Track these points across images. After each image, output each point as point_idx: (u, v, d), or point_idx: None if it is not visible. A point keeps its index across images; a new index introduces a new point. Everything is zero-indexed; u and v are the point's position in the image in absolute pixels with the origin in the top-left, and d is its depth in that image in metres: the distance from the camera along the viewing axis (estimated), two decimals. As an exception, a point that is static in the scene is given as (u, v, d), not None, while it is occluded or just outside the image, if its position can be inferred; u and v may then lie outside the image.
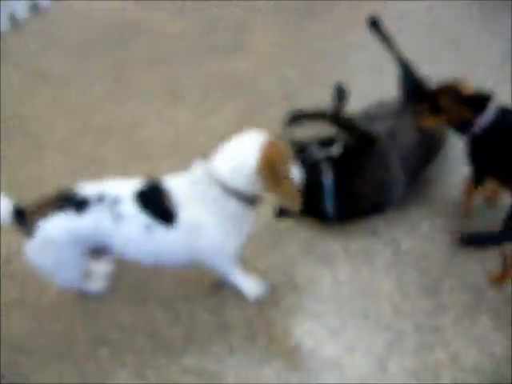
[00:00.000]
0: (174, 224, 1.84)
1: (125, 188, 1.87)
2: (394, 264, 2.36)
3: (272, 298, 2.26)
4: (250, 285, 2.20)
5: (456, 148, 2.69)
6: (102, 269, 2.29)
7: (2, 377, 2.03)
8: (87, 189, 1.86)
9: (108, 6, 4.26)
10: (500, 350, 2.06)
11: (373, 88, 2.99)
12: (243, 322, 2.18)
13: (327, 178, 2.35)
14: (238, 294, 2.25)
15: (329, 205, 2.39)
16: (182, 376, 2.02)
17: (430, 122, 2.35)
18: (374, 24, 2.52)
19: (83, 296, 2.21)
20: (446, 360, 2.04)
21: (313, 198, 2.33)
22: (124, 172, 2.72)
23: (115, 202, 1.82)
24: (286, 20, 3.86)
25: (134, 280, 2.36)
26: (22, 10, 4.18)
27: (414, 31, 3.61)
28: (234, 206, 1.84)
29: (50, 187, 2.58)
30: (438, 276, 2.31)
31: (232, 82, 3.29)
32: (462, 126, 2.30)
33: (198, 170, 1.85)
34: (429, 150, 2.62)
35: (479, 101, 2.24)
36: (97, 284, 2.25)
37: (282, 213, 2.51)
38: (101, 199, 1.82)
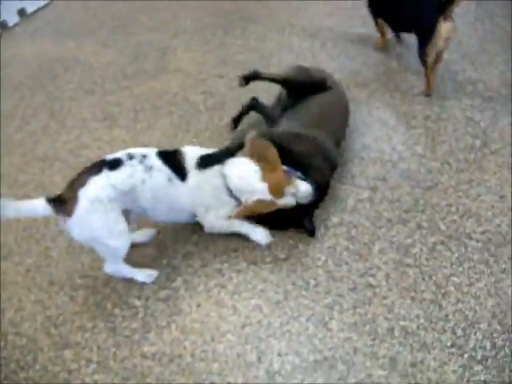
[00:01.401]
0: (185, 180, 2.30)
1: (148, 149, 2.30)
2: (327, 237, 2.57)
3: (219, 281, 2.43)
4: (258, 233, 2.48)
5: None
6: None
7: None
8: (116, 154, 2.23)
9: (32, 49, 4.41)
10: (429, 295, 2.28)
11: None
12: (195, 307, 2.34)
13: None
14: (187, 282, 2.43)
15: None
16: (144, 362, 2.16)
17: None
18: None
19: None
20: (382, 312, 2.25)
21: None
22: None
23: (144, 157, 2.22)
24: (207, 39, 4.10)
25: (92, 282, 2.50)
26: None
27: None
28: (228, 199, 2.38)
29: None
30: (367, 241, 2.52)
31: (161, 101, 3.49)
32: None
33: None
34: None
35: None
36: (147, 273, 2.46)
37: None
38: (131, 157, 2.21)
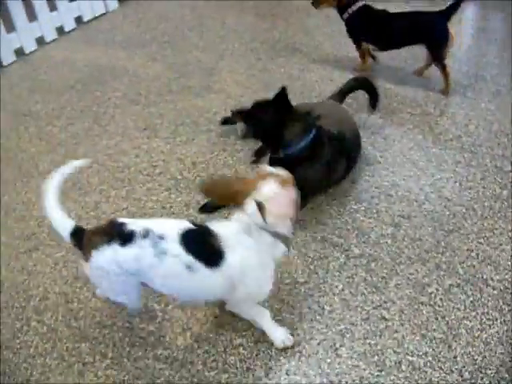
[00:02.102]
0: (219, 266, 1.90)
1: (172, 227, 1.94)
2: (347, 267, 2.63)
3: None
4: (277, 332, 2.25)
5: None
6: None
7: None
8: (134, 223, 1.92)
9: (84, 55, 4.62)
10: (439, 334, 2.33)
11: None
12: (211, 317, 2.42)
13: None
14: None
15: None
16: (156, 364, 2.24)
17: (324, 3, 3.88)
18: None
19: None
20: (392, 345, 2.30)
21: None
22: (105, 194, 3.03)
23: (160, 238, 1.87)
24: (252, 63, 4.25)
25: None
26: (7, 54, 4.51)
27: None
28: (280, 247, 2.02)
29: (35, 210, 2.87)
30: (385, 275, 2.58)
31: (201, 118, 3.62)
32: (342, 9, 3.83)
33: (243, 217, 1.93)
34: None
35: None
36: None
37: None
38: (145, 234, 1.87)
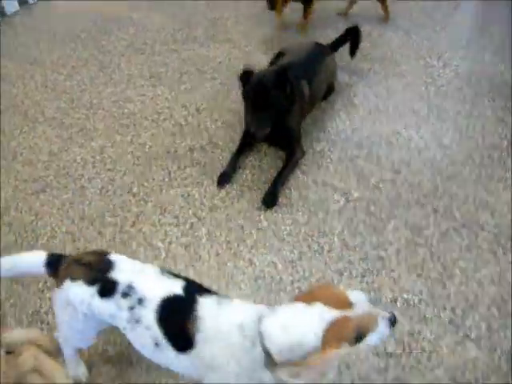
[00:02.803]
0: (187, 352, 1.60)
1: (157, 290, 1.65)
2: (346, 209, 2.70)
3: (239, 235, 2.58)
4: None
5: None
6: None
7: None
8: (121, 270, 1.68)
9: (89, 4, 4.61)
10: (434, 274, 2.40)
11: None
12: (214, 256, 2.50)
13: None
14: (210, 233, 2.59)
15: None
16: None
17: None
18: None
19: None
20: (388, 283, 2.38)
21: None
22: (111, 139, 3.09)
23: (139, 302, 1.62)
24: (258, 14, 4.24)
25: (120, 222, 2.68)
26: (10, 3, 4.51)
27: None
28: (269, 376, 1.51)
29: (42, 154, 2.93)
30: (383, 218, 2.65)
31: (206, 67, 3.65)
32: None
33: (251, 315, 1.55)
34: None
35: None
36: (79, 371, 2.15)
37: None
38: (127, 294, 1.63)
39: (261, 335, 1.46)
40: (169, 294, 1.63)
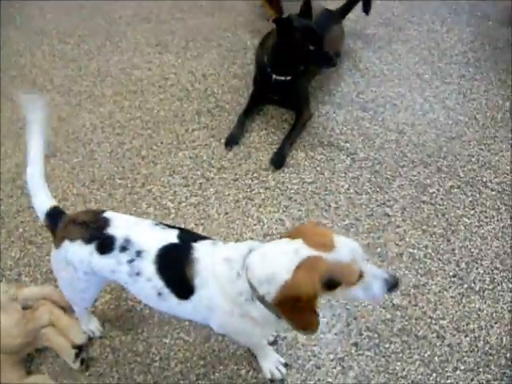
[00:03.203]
0: (188, 298, 1.62)
1: (153, 241, 1.65)
2: (352, 168, 2.75)
3: (247, 194, 2.64)
4: (270, 365, 2.05)
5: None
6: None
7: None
8: (117, 226, 1.68)
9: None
10: (439, 230, 2.46)
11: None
12: (223, 214, 2.56)
13: None
14: (218, 192, 2.65)
15: None
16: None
17: None
18: None
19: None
20: (394, 239, 2.44)
21: None
22: (119, 105, 3.13)
23: (138, 255, 1.63)
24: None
25: (130, 183, 2.74)
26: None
27: None
28: (257, 309, 1.52)
29: (51, 120, 3.00)
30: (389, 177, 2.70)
31: (211, 34, 3.66)
32: None
33: (242, 248, 1.57)
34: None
35: None
36: (93, 327, 2.20)
37: None
38: (125, 248, 1.63)
39: (246, 267, 1.49)
40: (165, 244, 1.63)
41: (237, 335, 1.72)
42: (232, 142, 2.88)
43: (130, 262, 1.63)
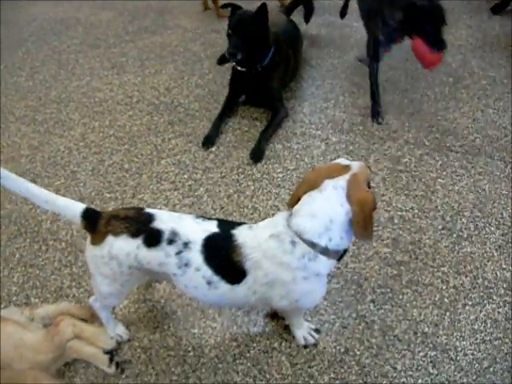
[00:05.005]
0: (242, 282, 1.69)
1: (198, 232, 1.70)
2: (328, 152, 2.95)
3: (237, 188, 2.78)
4: (303, 332, 2.15)
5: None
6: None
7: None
8: (162, 220, 1.73)
9: (33, 10, 4.62)
10: (420, 192, 2.69)
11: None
12: (219, 209, 2.68)
13: None
14: (209, 191, 2.76)
15: None
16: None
17: None
18: None
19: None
20: (382, 206, 2.64)
21: None
22: (89, 126, 3.19)
23: (185, 246, 1.68)
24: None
25: (120, 195, 2.80)
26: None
27: None
28: (322, 263, 1.63)
29: (23, 150, 3.03)
30: (364, 154, 2.92)
31: (164, 51, 3.80)
32: None
33: (279, 221, 1.67)
34: None
35: None
36: (120, 331, 2.23)
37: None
38: (172, 240, 1.68)
39: (297, 233, 1.59)
40: (209, 234, 1.69)
41: (301, 301, 1.79)
42: (209, 142, 3.03)
43: (178, 253, 1.68)
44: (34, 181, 2.91)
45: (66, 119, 3.33)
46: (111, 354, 2.15)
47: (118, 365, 2.15)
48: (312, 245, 1.60)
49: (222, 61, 3.53)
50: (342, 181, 1.56)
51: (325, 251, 1.60)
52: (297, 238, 1.61)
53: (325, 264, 1.64)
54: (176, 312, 2.30)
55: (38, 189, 1.79)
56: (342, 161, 1.65)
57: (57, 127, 3.27)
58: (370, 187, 1.64)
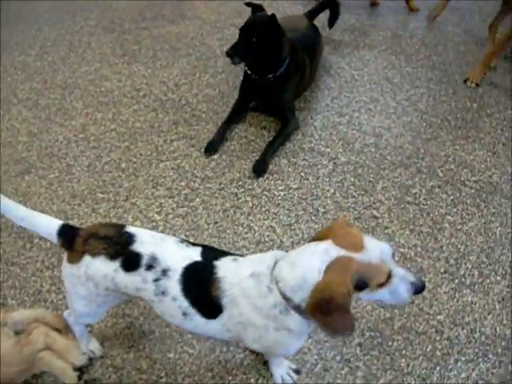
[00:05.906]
0: (217, 318, 1.59)
1: (178, 259, 1.60)
2: (335, 173, 2.79)
3: (235, 203, 2.64)
4: (282, 371, 2.05)
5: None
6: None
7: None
8: (143, 242, 1.62)
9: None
10: (426, 228, 2.53)
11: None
12: (212, 224, 2.55)
13: None
14: (205, 202, 2.63)
15: None
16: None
17: None
18: None
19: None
20: (384, 239, 2.46)
21: None
22: (91, 117, 3.07)
23: (163, 273, 1.58)
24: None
25: (113, 197, 2.69)
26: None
27: None
28: (293, 320, 1.50)
29: (21, 135, 2.89)
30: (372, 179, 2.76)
31: (179, 43, 3.65)
32: None
33: (266, 260, 1.54)
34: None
35: None
36: (93, 347, 2.13)
37: None
38: (151, 266, 1.58)
39: (276, 279, 1.45)
40: (190, 262, 1.58)
41: (273, 349, 1.68)
42: (212, 148, 2.88)
43: (156, 280, 1.59)
44: (28, 171, 2.83)
45: (68, 107, 3.21)
46: (81, 370, 2.07)
47: (86, 383, 2.07)
48: (285, 297, 1.45)
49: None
50: (337, 252, 1.36)
51: (297, 309, 1.45)
52: (273, 285, 1.46)
53: (297, 321, 1.49)
54: (154, 332, 2.19)
55: (15, 204, 1.68)
56: (370, 240, 1.40)
57: (58, 115, 3.16)
58: (360, 288, 1.37)
